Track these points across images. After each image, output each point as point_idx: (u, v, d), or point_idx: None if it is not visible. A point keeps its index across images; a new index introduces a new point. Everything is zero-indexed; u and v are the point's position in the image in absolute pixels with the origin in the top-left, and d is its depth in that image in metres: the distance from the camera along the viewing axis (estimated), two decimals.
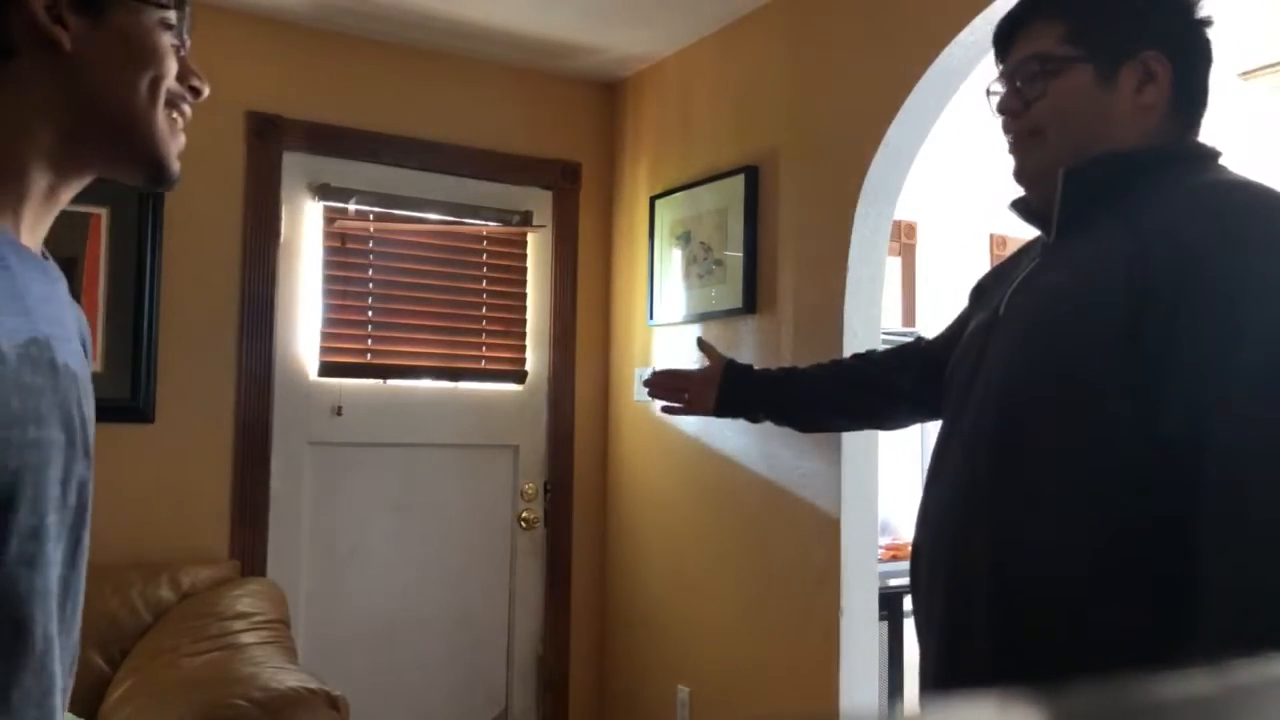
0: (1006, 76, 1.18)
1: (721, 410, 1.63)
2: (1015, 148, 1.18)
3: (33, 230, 0.82)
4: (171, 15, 0.85)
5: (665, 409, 1.71)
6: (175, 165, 0.87)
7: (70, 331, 0.83)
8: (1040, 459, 1.07)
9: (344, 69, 3.12)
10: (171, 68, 0.85)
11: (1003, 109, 1.17)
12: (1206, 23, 1.13)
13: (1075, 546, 1.03)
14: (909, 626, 3.19)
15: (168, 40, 0.84)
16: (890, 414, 1.62)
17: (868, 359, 1.62)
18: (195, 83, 0.88)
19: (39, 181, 0.81)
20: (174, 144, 0.87)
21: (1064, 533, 1.04)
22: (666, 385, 1.70)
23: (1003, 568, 1.08)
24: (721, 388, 1.62)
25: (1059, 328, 1.08)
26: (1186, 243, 1.00)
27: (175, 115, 0.87)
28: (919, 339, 1.57)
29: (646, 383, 1.72)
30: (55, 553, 0.78)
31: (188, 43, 0.88)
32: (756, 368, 1.68)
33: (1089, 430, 1.04)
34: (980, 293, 1.35)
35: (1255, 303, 0.96)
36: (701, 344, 1.75)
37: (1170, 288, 0.98)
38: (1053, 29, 1.13)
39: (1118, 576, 1.01)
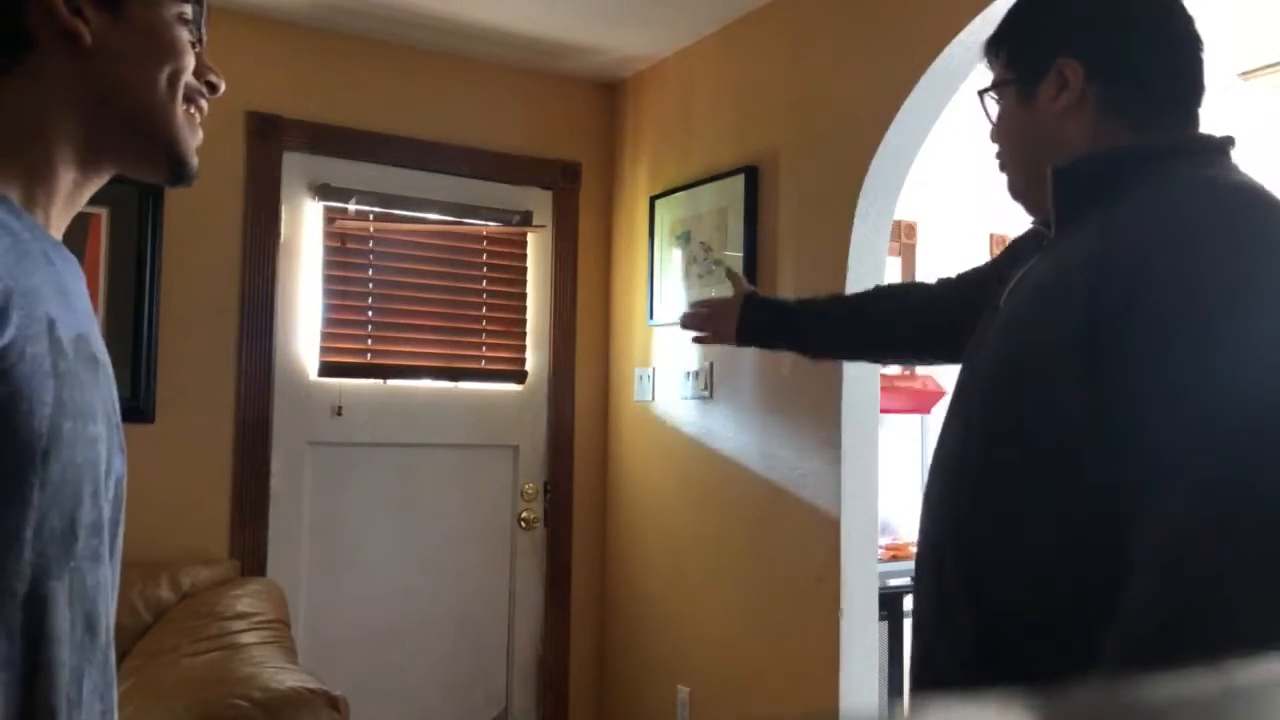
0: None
1: (741, 339, 1.73)
2: (1000, 170, 1.25)
3: (59, 227, 0.83)
4: (189, 10, 0.85)
5: (695, 339, 1.82)
6: (194, 160, 0.87)
7: (97, 325, 0.84)
8: (1015, 466, 1.06)
9: (344, 69, 3.12)
10: (190, 62, 0.85)
11: (989, 136, 1.25)
12: (1143, 15, 1.13)
13: (1047, 557, 1.03)
14: (909, 626, 3.19)
15: (185, 35, 0.85)
16: (891, 356, 1.83)
17: (880, 298, 1.70)
18: (212, 78, 0.88)
19: (65, 178, 0.81)
20: (193, 139, 0.87)
21: (1035, 540, 1.03)
22: (696, 316, 1.81)
23: (982, 566, 1.08)
24: (741, 317, 1.71)
25: (1027, 328, 1.08)
26: (1140, 241, 0.98)
27: (193, 110, 0.87)
28: (944, 279, 1.57)
29: (683, 319, 1.82)
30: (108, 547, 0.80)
31: (204, 38, 0.88)
32: (783, 299, 1.77)
33: (1051, 433, 1.03)
34: (1010, 253, 1.35)
35: (1196, 303, 0.93)
36: (730, 274, 1.82)
37: (1122, 287, 0.97)
38: (1002, 55, 1.20)
39: (1086, 582, 1.01)
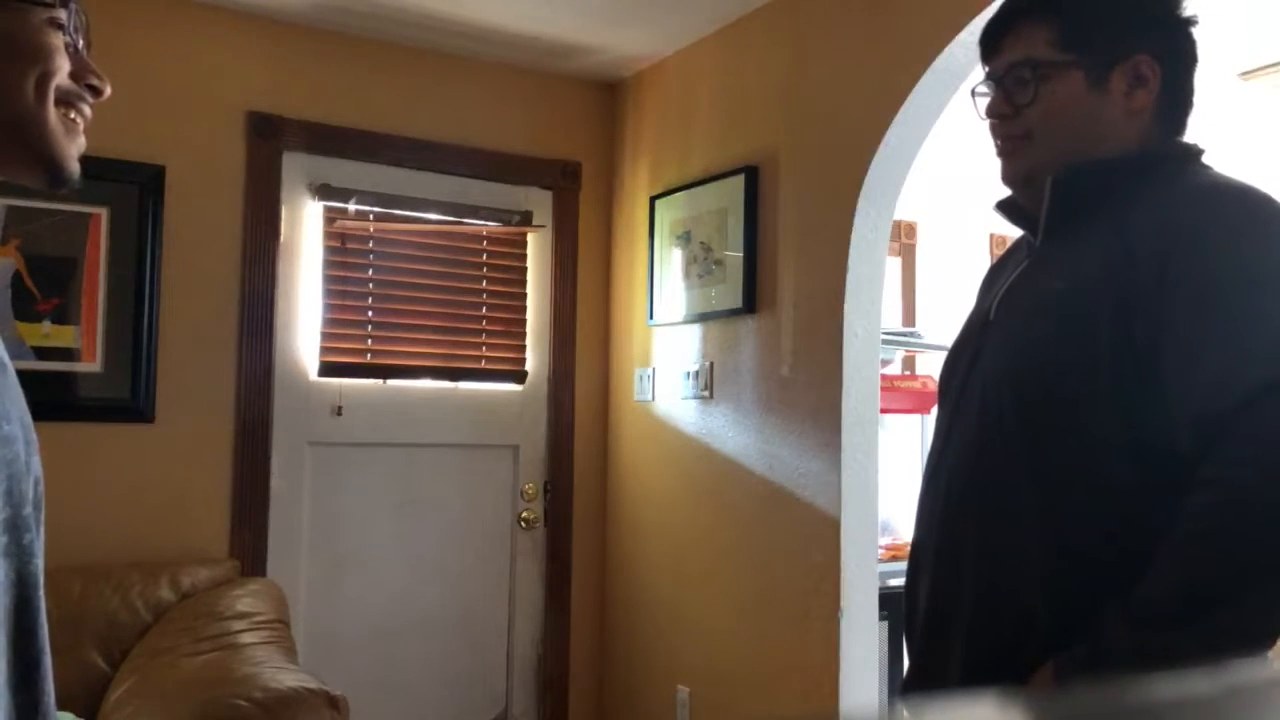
0: (995, 80, 1.16)
1: None
2: (1004, 152, 1.17)
3: None
4: (61, 14, 0.83)
5: None
6: (73, 166, 0.86)
7: None
8: (1038, 462, 1.06)
9: (344, 69, 3.11)
10: (62, 66, 0.83)
11: (992, 113, 1.16)
12: (1192, 22, 1.13)
13: (1076, 548, 1.03)
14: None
15: (58, 39, 0.83)
16: None
17: None
18: (94, 81, 0.86)
19: None
20: (71, 144, 0.85)
21: (1064, 529, 1.04)
22: None
23: (998, 568, 1.08)
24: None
25: (1051, 333, 1.08)
26: (1178, 231, 1.00)
27: (73, 115, 0.86)
28: None
29: None
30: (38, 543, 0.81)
31: (81, 41, 0.87)
32: None
33: (1086, 432, 1.03)
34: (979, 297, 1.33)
35: (1250, 289, 0.98)
36: None
37: (1162, 272, 0.99)
38: (1041, 32, 1.11)
39: (1119, 584, 1.01)
